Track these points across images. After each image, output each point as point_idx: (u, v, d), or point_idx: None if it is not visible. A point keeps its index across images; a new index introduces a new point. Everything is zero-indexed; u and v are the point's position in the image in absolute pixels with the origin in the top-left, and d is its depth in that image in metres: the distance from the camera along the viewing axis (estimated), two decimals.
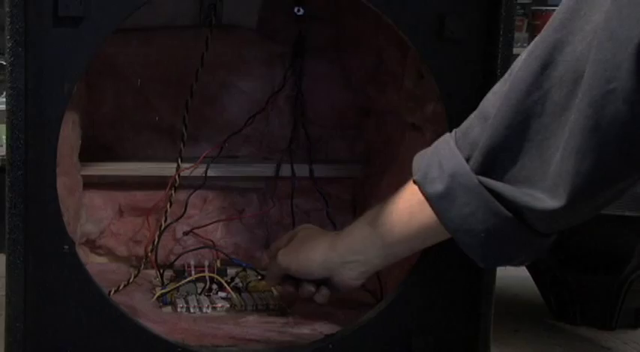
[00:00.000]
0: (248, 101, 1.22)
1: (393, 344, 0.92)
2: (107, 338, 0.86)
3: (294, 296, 0.98)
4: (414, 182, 0.80)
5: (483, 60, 0.90)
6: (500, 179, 0.74)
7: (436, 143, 0.81)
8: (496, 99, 0.75)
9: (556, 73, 0.70)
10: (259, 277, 1.15)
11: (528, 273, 1.36)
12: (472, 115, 0.79)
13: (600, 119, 0.65)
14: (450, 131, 0.86)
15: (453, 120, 0.90)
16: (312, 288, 0.94)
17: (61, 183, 0.89)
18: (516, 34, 1.79)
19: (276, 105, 1.23)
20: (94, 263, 1.17)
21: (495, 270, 0.93)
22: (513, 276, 1.47)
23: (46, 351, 0.84)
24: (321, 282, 0.93)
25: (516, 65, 0.75)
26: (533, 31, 2.45)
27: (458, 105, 0.90)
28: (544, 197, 0.71)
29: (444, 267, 0.92)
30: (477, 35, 0.89)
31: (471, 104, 0.89)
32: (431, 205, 0.78)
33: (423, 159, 0.81)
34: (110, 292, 1.03)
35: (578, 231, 1.21)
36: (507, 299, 1.38)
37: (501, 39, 0.88)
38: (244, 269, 1.17)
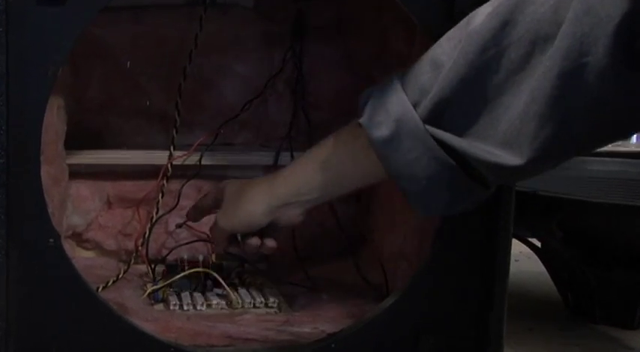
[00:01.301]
0: (245, 85, 1.22)
1: (400, 343, 0.92)
2: (95, 337, 0.86)
3: (251, 250, 0.99)
4: (359, 125, 0.83)
5: None
6: (447, 130, 0.78)
7: (381, 85, 0.83)
8: (451, 49, 0.78)
9: (515, 32, 0.74)
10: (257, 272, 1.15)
11: (544, 268, 1.36)
12: (422, 60, 0.81)
13: (568, 91, 0.69)
14: None
15: None
16: (256, 241, 0.96)
17: (46, 173, 0.89)
18: None
19: (274, 89, 1.23)
20: (80, 257, 1.17)
21: (509, 265, 0.93)
22: (528, 271, 1.47)
23: (29, 351, 0.84)
24: (265, 232, 0.95)
25: (477, 19, 0.78)
26: None
27: None
28: (498, 152, 0.75)
29: (453, 261, 0.92)
30: None
31: None
32: (375, 149, 0.81)
33: (368, 102, 0.83)
34: (98, 288, 1.04)
35: (597, 223, 1.21)
36: (521, 296, 1.38)
37: None
38: (241, 264, 1.17)
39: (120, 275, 1.10)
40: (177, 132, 1.16)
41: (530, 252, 1.37)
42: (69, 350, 0.85)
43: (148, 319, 0.96)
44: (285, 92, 1.23)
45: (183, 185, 1.18)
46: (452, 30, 0.80)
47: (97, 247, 1.20)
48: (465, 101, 0.77)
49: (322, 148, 0.89)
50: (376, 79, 1.18)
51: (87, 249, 1.20)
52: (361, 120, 0.82)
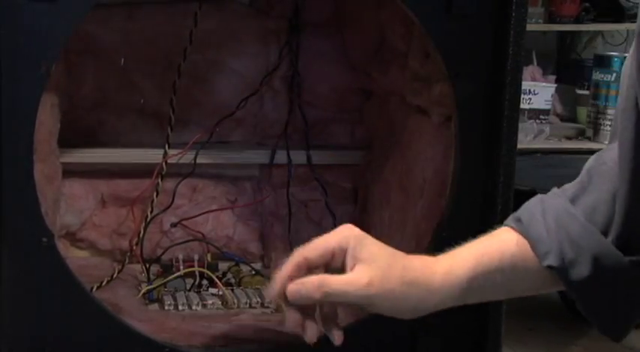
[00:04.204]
0: (240, 82, 1.22)
1: (397, 344, 0.92)
2: (89, 337, 0.86)
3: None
4: (549, 267, 0.75)
5: (494, 36, 0.90)
6: None
7: (555, 216, 0.75)
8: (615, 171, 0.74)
9: None
10: (253, 272, 1.15)
11: None
12: (588, 182, 0.77)
13: None
14: (459, 114, 0.86)
15: (461, 102, 0.90)
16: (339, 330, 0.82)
17: (39, 171, 0.89)
18: (530, 9, 1.79)
19: (270, 87, 1.22)
20: (74, 257, 1.17)
21: None
22: None
23: (22, 351, 0.84)
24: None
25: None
26: (548, 6, 2.45)
27: (467, 85, 0.90)
28: None
29: None
30: (487, 10, 0.89)
31: (481, 84, 0.90)
32: (572, 291, 0.74)
33: (547, 238, 0.75)
34: (92, 288, 1.03)
35: None
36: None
37: (514, 14, 0.88)
38: (237, 264, 1.17)
39: (114, 275, 1.10)
40: (171, 130, 1.16)
41: None
42: (62, 350, 0.85)
43: (142, 319, 0.96)
44: (281, 89, 1.23)
45: (178, 184, 1.18)
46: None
47: (91, 246, 1.19)
48: None
49: (490, 248, 0.78)
50: (374, 77, 1.18)
51: (81, 248, 1.20)
52: (551, 263, 0.74)
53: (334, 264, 0.80)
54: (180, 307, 1.04)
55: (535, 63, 2.41)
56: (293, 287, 0.79)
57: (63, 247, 1.15)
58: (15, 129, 0.81)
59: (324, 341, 0.92)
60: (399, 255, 0.80)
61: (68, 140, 1.11)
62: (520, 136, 0.93)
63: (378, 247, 0.80)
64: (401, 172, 1.09)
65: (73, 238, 1.19)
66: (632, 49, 0.69)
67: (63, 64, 1.11)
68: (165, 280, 1.09)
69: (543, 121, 2.17)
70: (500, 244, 0.78)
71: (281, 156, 1.20)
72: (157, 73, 1.19)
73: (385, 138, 1.17)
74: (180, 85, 1.16)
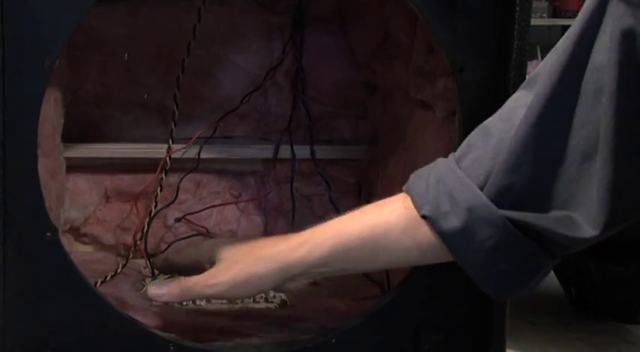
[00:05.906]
0: (244, 77, 1.22)
1: (401, 338, 0.92)
2: (93, 332, 0.86)
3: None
4: (423, 217, 0.78)
5: (498, 31, 0.89)
6: (522, 207, 0.74)
7: (436, 173, 0.79)
8: (502, 121, 0.77)
9: (575, 85, 0.72)
10: None
11: None
12: (475, 141, 0.79)
13: (630, 124, 0.67)
14: (462, 108, 0.86)
15: (465, 96, 0.90)
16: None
17: (43, 166, 0.89)
18: (535, 4, 1.79)
19: (274, 82, 1.23)
20: (78, 252, 1.18)
21: None
22: None
23: (26, 346, 0.84)
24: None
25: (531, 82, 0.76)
26: (553, 0, 2.45)
27: (471, 80, 0.89)
28: (582, 222, 0.72)
29: None
30: (491, 4, 0.89)
31: (485, 79, 0.90)
32: (445, 242, 0.77)
33: (425, 192, 0.79)
34: (96, 283, 1.04)
35: None
36: None
37: (518, 8, 0.88)
38: None
39: (118, 270, 1.10)
40: (175, 125, 1.16)
41: None
42: (66, 345, 0.85)
43: (146, 314, 0.97)
44: (285, 84, 1.23)
45: (182, 178, 1.18)
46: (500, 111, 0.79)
47: (95, 241, 1.20)
48: (531, 170, 0.73)
49: (356, 223, 0.85)
50: (378, 72, 1.18)
51: (85, 243, 1.20)
52: (425, 212, 0.78)
53: None
54: (184, 302, 1.04)
55: (539, 57, 2.41)
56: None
57: (67, 242, 1.16)
58: (19, 124, 0.81)
59: (323, 335, 0.92)
60: (253, 241, 0.91)
61: (72, 135, 1.11)
62: None
63: (230, 243, 0.91)
64: (405, 167, 1.09)
65: (77, 233, 1.19)
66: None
67: (66, 59, 1.11)
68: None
69: None
70: (383, 202, 0.84)
71: (285, 151, 1.20)
72: (160, 68, 1.19)
73: (389, 132, 1.17)
74: (184, 80, 1.16)
